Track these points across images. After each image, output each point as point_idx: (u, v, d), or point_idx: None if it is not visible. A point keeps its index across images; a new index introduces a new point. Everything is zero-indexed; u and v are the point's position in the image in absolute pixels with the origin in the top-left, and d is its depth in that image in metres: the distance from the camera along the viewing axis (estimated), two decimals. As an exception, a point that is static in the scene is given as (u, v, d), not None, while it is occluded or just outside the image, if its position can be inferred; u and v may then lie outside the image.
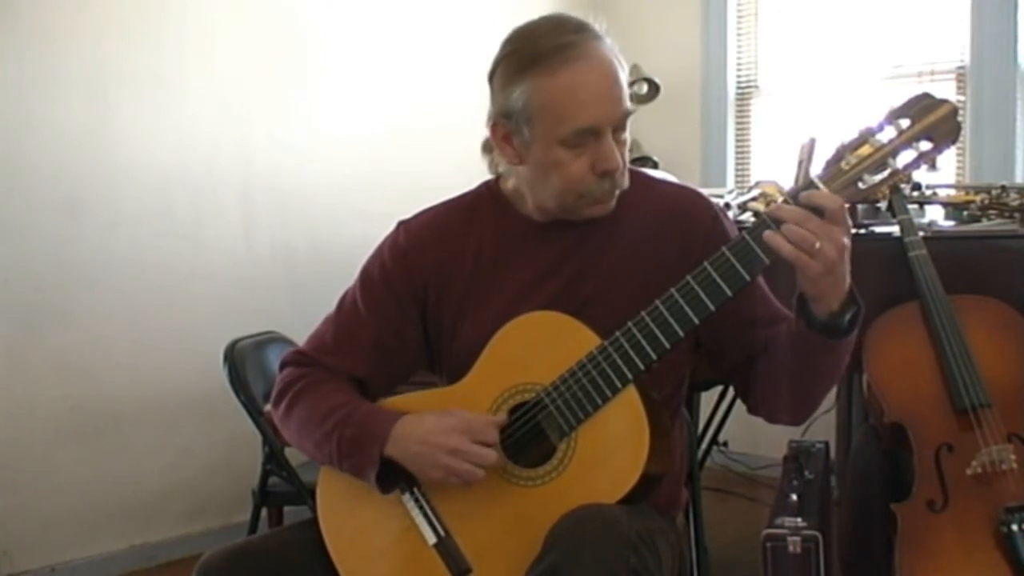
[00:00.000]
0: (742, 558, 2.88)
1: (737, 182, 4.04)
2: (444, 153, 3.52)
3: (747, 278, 1.28)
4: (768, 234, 1.24)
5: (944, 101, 1.26)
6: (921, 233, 2.11)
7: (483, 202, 1.54)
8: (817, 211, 1.22)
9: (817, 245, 1.21)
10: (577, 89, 1.33)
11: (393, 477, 1.40)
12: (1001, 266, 2.14)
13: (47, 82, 2.83)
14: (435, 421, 1.37)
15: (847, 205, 1.24)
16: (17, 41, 2.78)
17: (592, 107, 1.33)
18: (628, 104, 1.37)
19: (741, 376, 1.49)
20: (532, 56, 1.34)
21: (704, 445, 3.18)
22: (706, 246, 1.34)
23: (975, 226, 2.26)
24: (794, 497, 1.90)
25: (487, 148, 1.50)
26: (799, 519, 1.78)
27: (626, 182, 1.42)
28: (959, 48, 3.49)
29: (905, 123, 1.26)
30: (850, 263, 1.26)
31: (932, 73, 3.55)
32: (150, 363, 3.06)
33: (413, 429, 1.38)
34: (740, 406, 1.56)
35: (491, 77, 1.42)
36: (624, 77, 1.38)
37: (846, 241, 1.23)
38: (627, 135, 1.40)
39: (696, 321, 1.31)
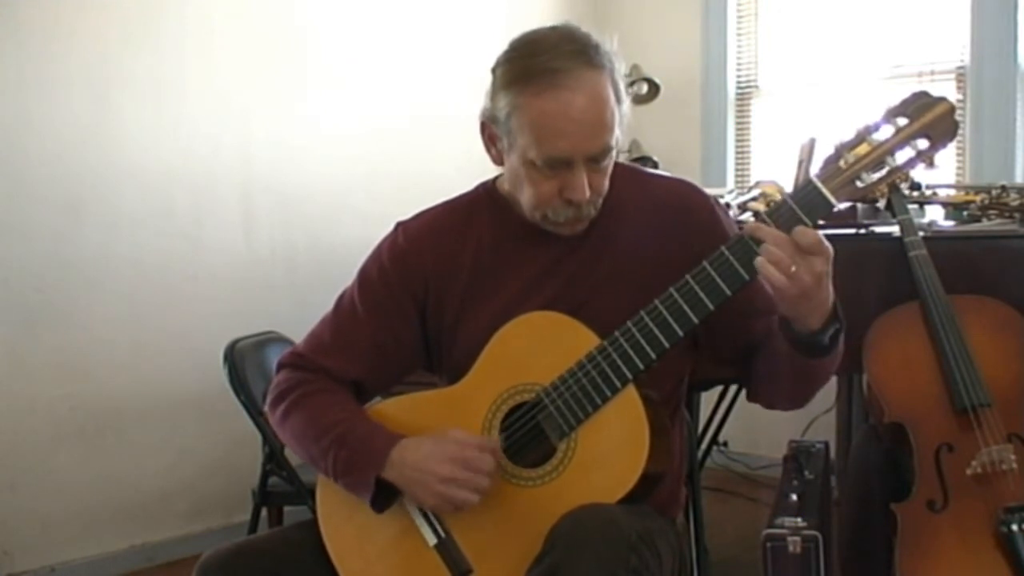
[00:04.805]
0: (742, 558, 2.88)
1: (737, 182, 4.04)
2: (444, 153, 3.53)
3: (746, 277, 1.28)
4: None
5: (941, 99, 1.26)
6: (921, 233, 2.10)
7: (481, 203, 1.54)
8: (795, 242, 1.23)
9: (793, 269, 1.21)
10: (556, 118, 1.31)
11: (388, 495, 1.40)
12: (1001, 266, 2.14)
13: (47, 82, 2.83)
14: (432, 448, 1.35)
15: (846, 204, 1.24)
16: (17, 41, 2.78)
17: (567, 138, 1.32)
18: (610, 140, 1.35)
19: (742, 366, 1.50)
20: (524, 71, 1.33)
21: (704, 445, 3.17)
22: (704, 240, 1.35)
23: (975, 226, 2.26)
24: (794, 497, 1.90)
25: None
26: (799, 519, 1.78)
27: (594, 211, 1.41)
28: (959, 48, 3.48)
29: (903, 121, 1.26)
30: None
31: (932, 73, 3.55)
32: (150, 363, 3.06)
33: (409, 455, 1.36)
34: (740, 406, 1.56)
35: (493, 71, 1.41)
36: (617, 111, 1.35)
37: (824, 268, 1.23)
38: (608, 164, 1.39)
39: (695, 321, 1.31)
